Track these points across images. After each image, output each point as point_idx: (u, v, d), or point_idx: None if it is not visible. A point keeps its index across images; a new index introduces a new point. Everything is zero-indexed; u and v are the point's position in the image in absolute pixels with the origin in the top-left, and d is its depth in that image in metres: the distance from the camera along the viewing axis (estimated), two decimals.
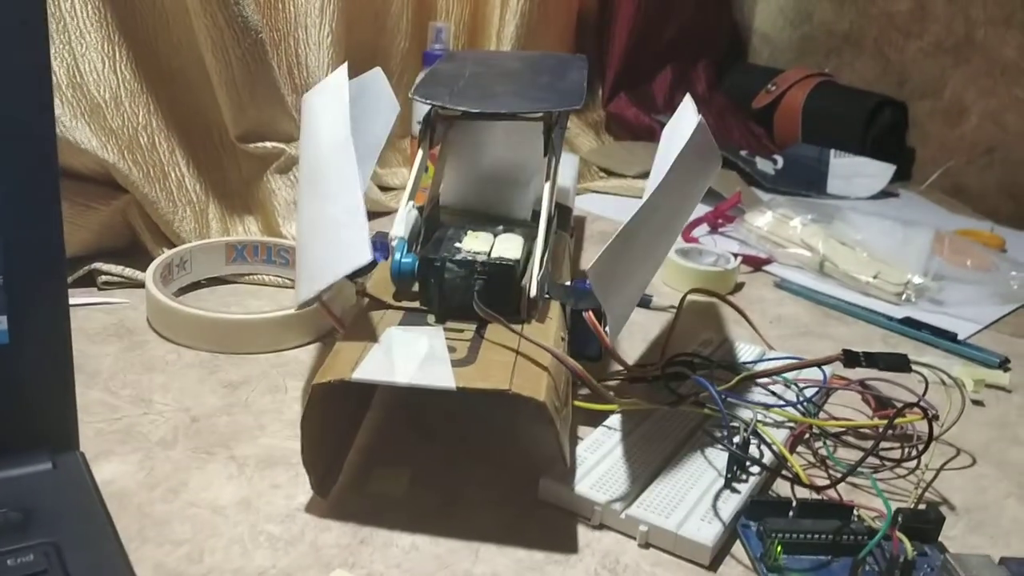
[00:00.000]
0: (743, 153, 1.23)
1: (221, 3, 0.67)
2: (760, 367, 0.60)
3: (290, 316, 0.63)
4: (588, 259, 0.86)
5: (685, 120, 0.67)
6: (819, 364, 0.58)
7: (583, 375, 0.47)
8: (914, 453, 0.56)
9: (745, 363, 0.63)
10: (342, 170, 0.49)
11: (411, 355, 0.46)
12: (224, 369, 0.61)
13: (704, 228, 0.98)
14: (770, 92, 1.36)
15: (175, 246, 0.72)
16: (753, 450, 0.52)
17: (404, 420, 0.56)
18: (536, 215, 0.56)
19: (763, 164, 1.22)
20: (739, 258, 0.84)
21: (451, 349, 0.47)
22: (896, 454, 0.56)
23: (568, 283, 0.58)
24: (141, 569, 0.42)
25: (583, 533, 0.47)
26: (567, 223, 0.71)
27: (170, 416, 0.55)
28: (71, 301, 0.67)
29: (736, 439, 0.51)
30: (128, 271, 0.71)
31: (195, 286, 0.73)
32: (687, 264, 0.81)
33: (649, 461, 0.51)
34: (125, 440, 0.52)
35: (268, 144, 0.75)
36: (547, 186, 0.57)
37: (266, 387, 0.59)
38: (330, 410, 0.48)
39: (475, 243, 0.53)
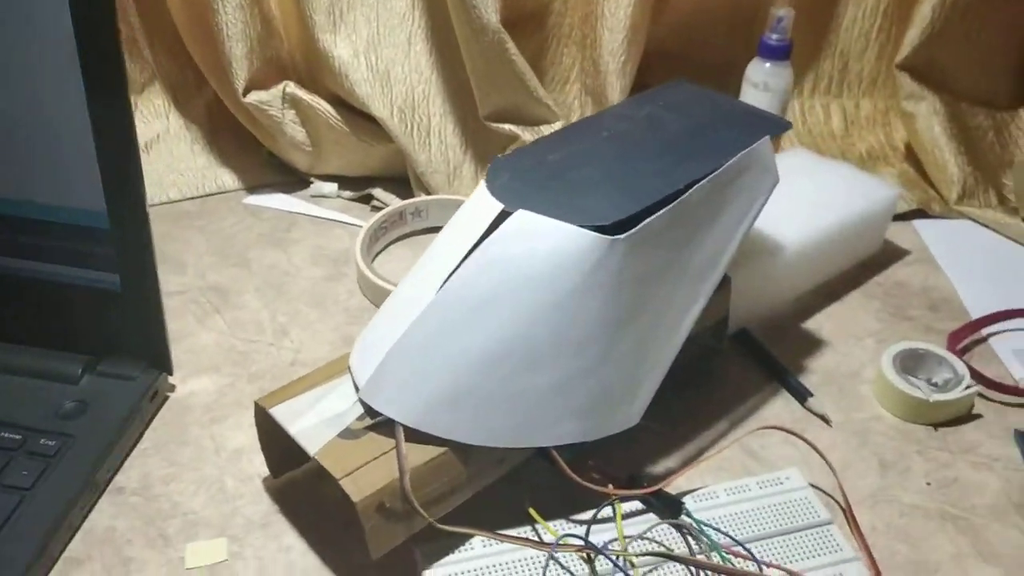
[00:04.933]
0: None
1: (463, 5, 0.74)
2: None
3: None
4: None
5: None
6: None
7: (406, 492, 0.51)
8: None
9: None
10: None
11: (326, 409, 0.55)
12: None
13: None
14: None
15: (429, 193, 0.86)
16: None
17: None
18: None
19: None
20: (974, 388, 0.68)
21: (366, 417, 0.54)
22: None
23: None
24: (129, 474, 0.61)
25: None
26: None
27: (285, 354, 0.71)
28: (325, 215, 0.86)
29: None
30: (395, 200, 0.87)
31: (433, 230, 0.86)
32: (890, 378, 0.68)
33: None
34: (239, 363, 0.70)
35: (506, 126, 0.82)
36: None
37: None
38: None
39: None
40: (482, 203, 0.56)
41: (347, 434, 0.53)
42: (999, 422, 0.69)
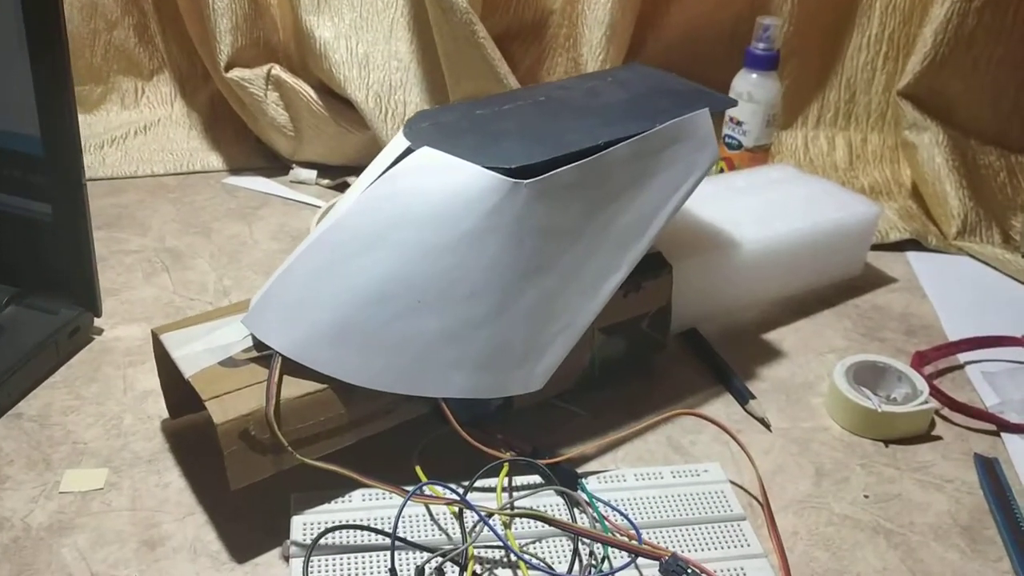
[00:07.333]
0: None
1: None
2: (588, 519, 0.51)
3: None
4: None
5: None
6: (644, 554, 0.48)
7: (269, 420, 0.49)
8: None
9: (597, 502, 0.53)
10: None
11: (215, 340, 0.54)
12: None
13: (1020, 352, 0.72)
14: None
15: None
16: None
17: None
18: None
19: None
20: (930, 404, 0.63)
21: (253, 350, 0.53)
22: None
23: None
24: (31, 402, 0.60)
25: (268, 556, 0.51)
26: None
27: None
28: (298, 197, 0.86)
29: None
30: None
31: None
32: (838, 385, 0.64)
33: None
34: (172, 316, 0.70)
35: None
36: None
37: None
38: None
39: None
40: (395, 144, 0.55)
41: (228, 363, 0.52)
42: (959, 445, 0.63)
